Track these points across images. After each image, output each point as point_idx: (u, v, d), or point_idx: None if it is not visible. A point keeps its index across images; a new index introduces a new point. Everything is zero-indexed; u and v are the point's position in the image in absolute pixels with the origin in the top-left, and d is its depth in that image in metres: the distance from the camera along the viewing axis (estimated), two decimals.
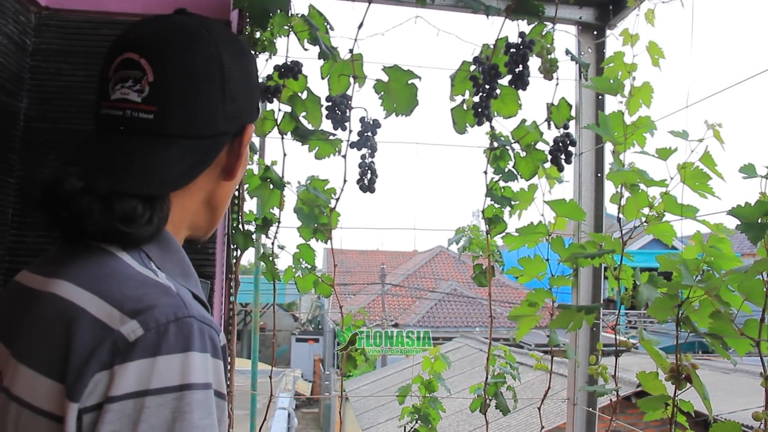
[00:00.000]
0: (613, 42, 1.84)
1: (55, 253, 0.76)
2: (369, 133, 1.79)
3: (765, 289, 1.06)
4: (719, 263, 1.24)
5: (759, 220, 1.04)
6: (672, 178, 1.35)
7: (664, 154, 1.33)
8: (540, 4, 1.72)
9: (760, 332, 1.07)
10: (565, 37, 1.91)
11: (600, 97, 1.91)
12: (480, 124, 1.76)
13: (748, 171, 1.07)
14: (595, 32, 1.92)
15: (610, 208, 1.98)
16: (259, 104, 0.89)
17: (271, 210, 1.83)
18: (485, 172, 1.83)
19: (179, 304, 0.65)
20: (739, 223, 1.04)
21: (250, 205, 1.86)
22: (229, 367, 1.84)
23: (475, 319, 16.75)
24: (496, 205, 1.84)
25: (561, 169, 1.75)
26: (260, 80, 1.82)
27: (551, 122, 1.78)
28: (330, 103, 1.79)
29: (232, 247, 1.83)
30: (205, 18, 0.79)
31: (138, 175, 0.69)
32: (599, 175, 1.91)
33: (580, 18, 1.91)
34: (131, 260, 0.70)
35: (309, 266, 1.83)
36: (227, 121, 0.76)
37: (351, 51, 1.81)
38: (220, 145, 0.77)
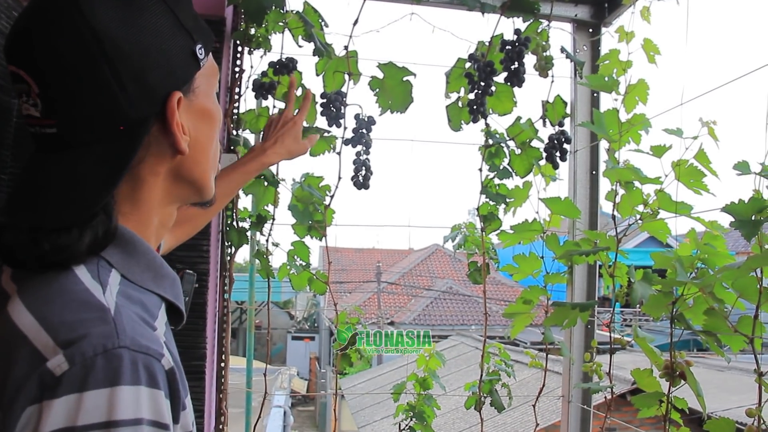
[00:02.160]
0: (608, 39, 1.84)
1: None
2: (364, 130, 1.79)
3: (758, 286, 1.06)
4: (713, 260, 1.24)
5: (752, 217, 1.04)
6: (666, 176, 1.35)
7: (658, 151, 1.33)
8: (536, 1, 1.71)
9: (754, 329, 1.07)
10: (560, 35, 1.91)
11: (595, 94, 1.91)
12: (475, 121, 1.75)
13: (742, 168, 1.06)
14: (591, 30, 1.92)
15: (606, 206, 1.98)
16: (196, 51, 0.73)
17: (265, 207, 1.82)
18: (480, 170, 1.83)
19: (110, 334, 0.61)
20: (733, 219, 1.04)
21: (245, 202, 1.85)
22: (223, 365, 1.83)
23: (471, 317, 16.77)
24: (491, 203, 1.84)
25: (556, 166, 1.74)
26: (255, 77, 1.82)
27: (546, 120, 1.78)
28: (325, 100, 1.79)
29: (226, 244, 1.82)
30: None
31: (55, 206, 0.66)
32: (594, 172, 1.91)
33: (576, 15, 1.90)
34: (84, 274, 0.66)
35: (303, 263, 1.83)
36: (136, 105, 0.67)
37: (346, 48, 1.81)
38: (138, 134, 0.69)
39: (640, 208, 1.45)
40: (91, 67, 0.65)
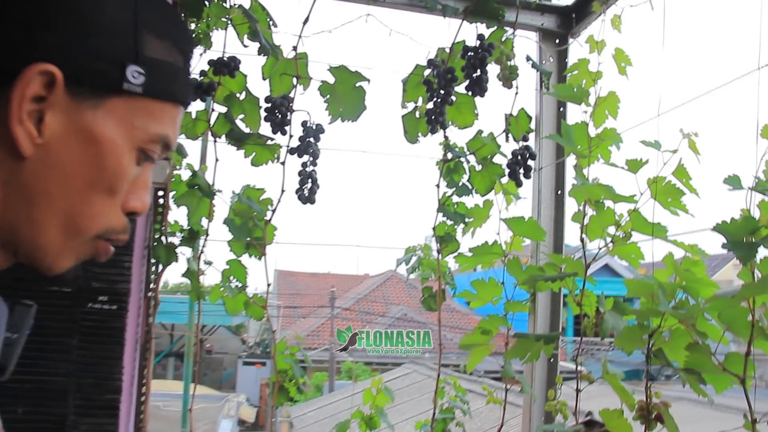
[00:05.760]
0: (576, 51, 1.73)
1: None
2: (311, 139, 1.63)
3: (750, 319, 0.93)
4: (696, 288, 1.11)
5: (745, 239, 0.91)
6: (642, 194, 1.22)
7: (634, 166, 1.20)
8: (500, 7, 1.60)
9: (746, 368, 0.94)
10: (525, 46, 1.80)
11: (561, 109, 1.79)
12: (434, 132, 1.62)
13: (734, 182, 0.94)
14: (557, 40, 1.81)
15: (568, 236, 1.85)
16: (128, 69, 0.56)
17: (199, 221, 1.64)
18: (437, 186, 1.69)
19: None
20: (725, 241, 0.91)
21: (176, 214, 1.66)
22: (143, 399, 1.62)
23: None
24: (449, 222, 1.70)
25: (519, 184, 1.61)
26: (193, 76, 1.65)
27: (509, 134, 1.65)
28: (269, 105, 1.63)
29: (152, 261, 1.62)
30: None
31: None
32: (559, 192, 1.78)
33: (542, 24, 1.80)
34: None
35: (240, 285, 1.63)
36: None
37: (295, 48, 1.65)
38: None
39: (612, 229, 1.32)
40: None
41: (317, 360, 14.85)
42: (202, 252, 1.63)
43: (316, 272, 22.88)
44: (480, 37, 1.58)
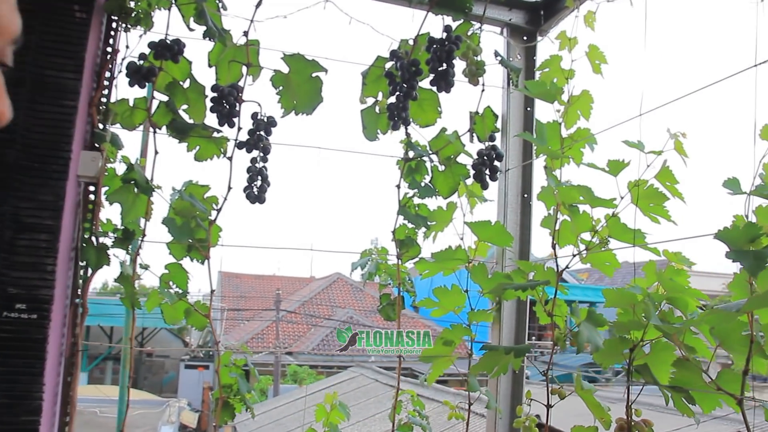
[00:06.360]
0: (546, 48, 1.65)
1: None
2: (262, 133, 1.49)
3: (749, 333, 0.86)
4: (683, 299, 1.04)
5: (745, 247, 0.83)
6: (623, 198, 1.14)
7: (615, 167, 1.12)
8: None
9: (743, 387, 0.86)
10: (492, 42, 1.71)
11: (529, 108, 1.71)
12: (395, 128, 1.51)
13: (733, 186, 0.87)
14: (525, 37, 1.73)
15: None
16: None
17: (135, 220, 1.48)
18: (398, 186, 1.58)
19: None
20: (728, 250, 0.83)
21: (108, 212, 1.49)
22: (68, 419, 1.44)
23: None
24: (410, 225, 1.59)
25: (485, 186, 1.52)
26: (131, 59, 1.49)
27: (474, 134, 1.56)
28: (216, 94, 1.49)
29: (81, 264, 1.45)
30: None
31: None
32: (526, 195, 1.70)
33: (510, 20, 1.71)
34: None
35: (180, 291, 1.48)
36: None
37: (246, 34, 1.52)
38: None
39: (587, 236, 1.23)
40: None
41: (262, 363, 14.56)
42: (137, 254, 1.47)
43: (262, 274, 22.49)
44: (447, 28, 1.48)
